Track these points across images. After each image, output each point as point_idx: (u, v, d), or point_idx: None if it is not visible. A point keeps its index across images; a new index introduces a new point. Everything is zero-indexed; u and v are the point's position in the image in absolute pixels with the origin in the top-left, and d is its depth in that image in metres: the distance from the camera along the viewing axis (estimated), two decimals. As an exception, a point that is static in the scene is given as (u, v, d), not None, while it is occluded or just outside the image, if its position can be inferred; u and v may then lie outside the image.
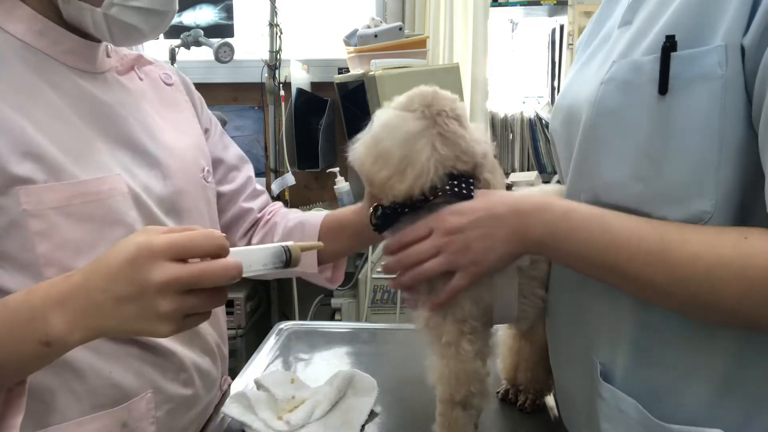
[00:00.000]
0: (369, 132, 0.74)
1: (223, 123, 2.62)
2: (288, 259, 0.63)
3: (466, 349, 0.74)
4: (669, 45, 0.57)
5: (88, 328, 0.56)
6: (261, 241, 1.00)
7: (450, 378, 0.74)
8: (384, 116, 0.75)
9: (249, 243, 1.00)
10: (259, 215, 1.03)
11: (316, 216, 0.99)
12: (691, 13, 0.57)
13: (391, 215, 0.75)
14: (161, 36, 2.86)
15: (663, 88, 0.57)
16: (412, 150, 0.71)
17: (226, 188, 0.99)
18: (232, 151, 1.03)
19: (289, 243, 0.64)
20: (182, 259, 0.54)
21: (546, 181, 2.65)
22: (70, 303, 0.56)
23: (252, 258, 0.61)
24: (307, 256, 0.94)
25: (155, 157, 0.79)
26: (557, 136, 0.79)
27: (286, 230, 0.98)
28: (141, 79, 0.86)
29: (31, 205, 0.65)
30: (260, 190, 1.06)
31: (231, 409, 0.88)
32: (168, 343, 0.79)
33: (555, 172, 2.67)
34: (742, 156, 0.55)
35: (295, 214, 1.01)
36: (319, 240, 0.94)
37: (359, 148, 0.74)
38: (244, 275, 0.59)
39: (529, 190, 0.83)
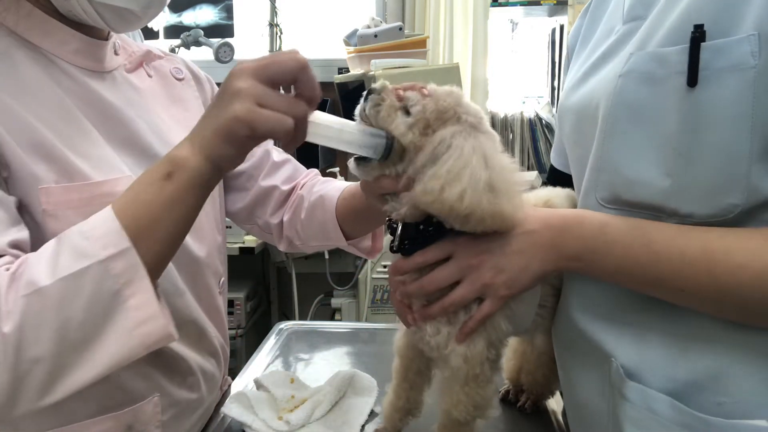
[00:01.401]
0: (458, 169, 0.61)
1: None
2: (390, 148, 0.63)
3: (487, 375, 0.70)
4: (698, 35, 0.54)
5: (201, 147, 0.59)
6: (290, 220, 0.96)
7: (468, 405, 0.70)
8: (465, 144, 0.62)
9: (281, 221, 0.97)
10: (287, 188, 0.97)
11: (335, 189, 0.93)
12: (715, 1, 0.55)
13: (424, 235, 0.67)
14: (161, 36, 2.83)
15: (692, 80, 0.55)
16: (513, 174, 0.64)
17: (242, 166, 0.94)
18: None
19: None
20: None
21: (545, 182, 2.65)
22: (192, 132, 0.61)
23: (345, 122, 0.63)
24: (332, 229, 0.92)
25: (162, 158, 0.78)
26: (568, 139, 0.75)
27: (311, 206, 0.93)
28: (150, 75, 0.85)
29: (51, 206, 0.65)
30: (280, 161, 0.99)
31: (231, 409, 0.88)
32: (176, 347, 0.78)
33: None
34: None
35: (319, 186, 0.95)
36: (336, 215, 0.90)
37: (464, 190, 0.60)
38: (328, 139, 0.63)
39: (536, 193, 0.80)
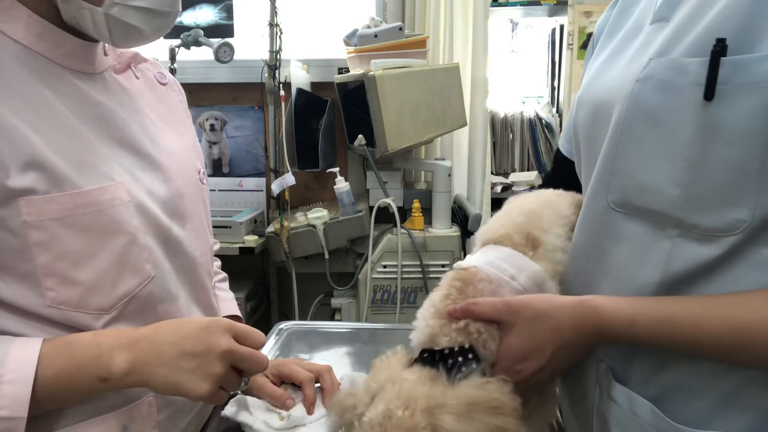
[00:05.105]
0: None
1: (223, 123, 2.62)
2: None
3: None
4: (719, 49, 0.54)
5: (143, 373, 0.65)
6: None
7: None
8: None
9: None
10: None
11: (223, 309, 0.98)
12: (740, 15, 0.54)
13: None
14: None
15: (709, 93, 0.54)
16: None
17: None
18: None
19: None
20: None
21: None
22: (138, 347, 0.66)
23: None
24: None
25: (156, 159, 0.78)
26: (582, 132, 0.76)
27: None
28: (137, 77, 0.84)
29: (32, 217, 0.63)
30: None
31: (230, 409, 0.88)
32: None
33: (555, 172, 2.66)
34: None
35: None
36: None
37: None
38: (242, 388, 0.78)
39: (528, 196, 0.81)
